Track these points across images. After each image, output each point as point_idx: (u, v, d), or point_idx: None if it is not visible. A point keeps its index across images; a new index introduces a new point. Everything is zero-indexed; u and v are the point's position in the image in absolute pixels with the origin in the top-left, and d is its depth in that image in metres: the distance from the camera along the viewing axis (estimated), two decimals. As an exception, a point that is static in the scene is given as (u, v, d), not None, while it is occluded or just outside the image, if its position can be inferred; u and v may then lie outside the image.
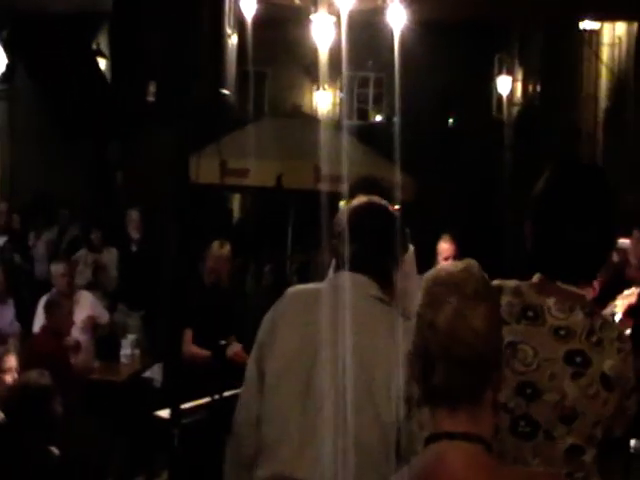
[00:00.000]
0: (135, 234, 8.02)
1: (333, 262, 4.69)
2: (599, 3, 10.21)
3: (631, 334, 3.79)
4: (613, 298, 4.65)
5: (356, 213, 2.50)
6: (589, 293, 2.16)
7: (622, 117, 11.50)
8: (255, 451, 2.36)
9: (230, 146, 10.69)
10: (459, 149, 16.52)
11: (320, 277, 6.05)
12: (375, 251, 2.42)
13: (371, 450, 2.24)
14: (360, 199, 2.57)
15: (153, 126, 10.29)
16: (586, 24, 11.79)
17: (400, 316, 2.36)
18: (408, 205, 6.34)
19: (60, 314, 5.84)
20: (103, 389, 5.58)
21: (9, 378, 4.58)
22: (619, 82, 11.96)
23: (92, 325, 6.56)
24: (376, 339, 2.29)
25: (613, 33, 12.33)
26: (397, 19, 9.58)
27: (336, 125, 17.04)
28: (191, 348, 5.48)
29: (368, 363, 2.27)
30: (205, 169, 10.56)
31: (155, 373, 6.29)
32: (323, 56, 12.13)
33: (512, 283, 2.09)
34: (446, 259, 5.60)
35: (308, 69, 18.40)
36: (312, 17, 10.31)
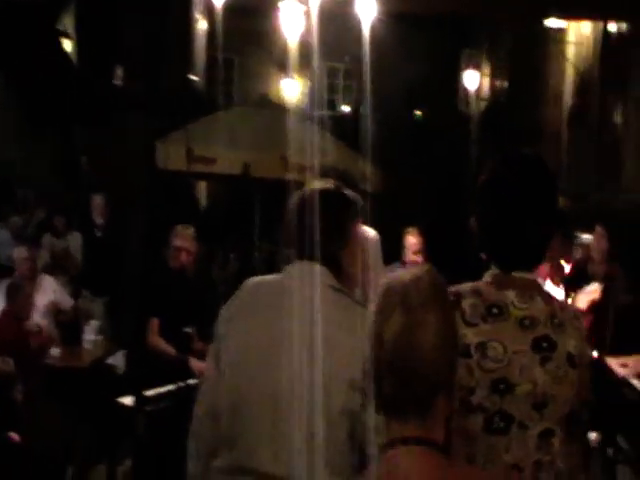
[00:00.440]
0: (99, 219, 7.96)
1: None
2: (565, 2, 10.31)
3: (591, 329, 3.86)
4: (574, 293, 4.72)
5: (305, 200, 2.44)
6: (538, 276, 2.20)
7: (586, 115, 11.65)
8: (215, 444, 2.37)
9: (197, 133, 10.64)
10: (426, 142, 16.60)
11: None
12: (324, 238, 2.36)
13: (328, 440, 2.24)
14: (311, 185, 2.52)
15: (120, 110, 10.20)
16: (552, 22, 11.90)
17: (357, 304, 2.37)
18: (376, 196, 6.37)
19: (21, 298, 5.78)
20: (65, 375, 5.54)
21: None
22: (584, 81, 12.10)
23: (54, 310, 6.51)
24: (332, 328, 2.27)
25: (579, 32, 12.47)
26: (367, 11, 9.59)
27: (304, 115, 17.02)
28: (156, 340, 5.45)
29: (324, 353, 2.26)
30: (172, 156, 10.52)
31: (118, 360, 6.26)
32: (292, 45, 12.11)
33: (468, 286, 2.10)
34: (414, 253, 5.64)
35: (276, 58, 18.34)
36: (281, 5, 10.29)
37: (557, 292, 4.74)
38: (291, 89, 19.15)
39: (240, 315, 2.40)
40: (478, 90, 17.92)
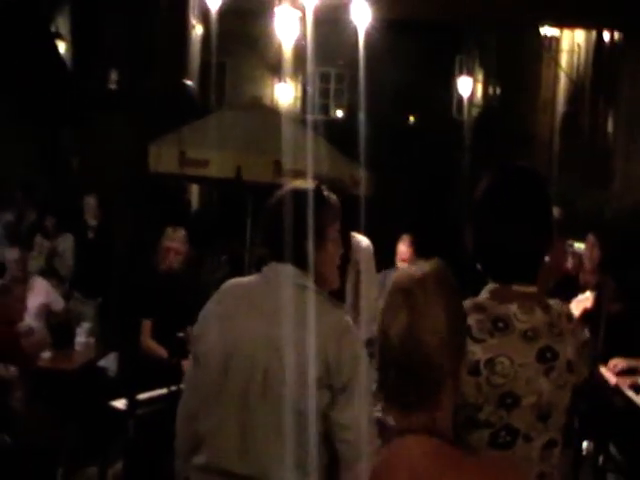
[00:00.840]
0: (92, 221, 7.94)
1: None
2: (558, 10, 10.36)
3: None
4: (566, 301, 4.74)
5: (281, 200, 2.47)
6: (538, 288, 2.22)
7: (578, 123, 11.70)
8: (194, 442, 2.40)
9: (190, 136, 10.62)
10: (419, 147, 16.64)
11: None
12: (299, 238, 2.38)
13: (298, 439, 2.27)
14: (286, 186, 2.53)
15: (113, 113, 10.19)
16: (547, 30, 11.96)
17: (329, 302, 2.40)
18: (368, 201, 6.38)
19: (13, 300, 5.76)
20: (56, 377, 5.52)
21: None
22: (576, 88, 12.16)
23: (46, 312, 6.48)
24: (299, 327, 2.29)
25: (572, 40, 12.53)
26: (361, 16, 9.63)
27: (297, 119, 17.03)
28: (149, 343, 5.45)
29: (291, 352, 2.28)
30: (164, 158, 10.49)
31: (110, 362, 6.24)
32: (286, 49, 12.11)
33: (469, 302, 2.09)
34: (403, 261, 5.66)
35: (269, 62, 18.36)
36: (276, 10, 10.31)
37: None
38: (284, 93, 19.17)
39: (213, 317, 2.43)
40: (471, 96, 17.99)
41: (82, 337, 6.17)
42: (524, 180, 2.15)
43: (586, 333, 2.19)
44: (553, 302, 2.13)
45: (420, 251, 5.81)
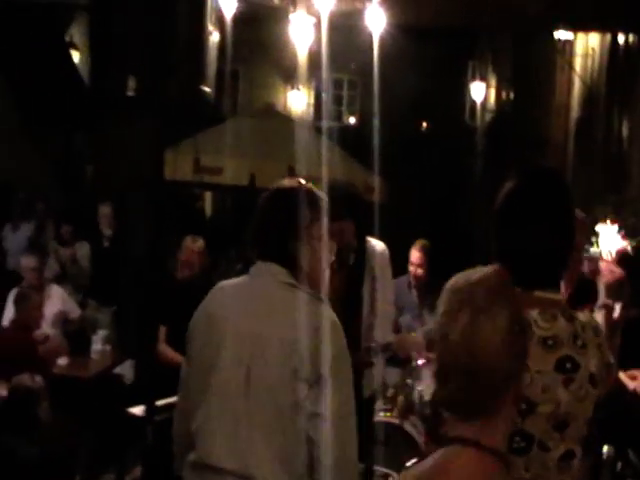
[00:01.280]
0: (107, 230, 7.96)
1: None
2: (572, 14, 10.34)
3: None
4: (582, 306, 4.71)
5: (264, 200, 2.51)
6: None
7: (592, 127, 11.66)
8: (188, 441, 2.44)
9: (204, 143, 10.67)
10: (432, 153, 16.61)
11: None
12: (283, 237, 2.41)
13: (280, 432, 2.30)
14: (273, 186, 2.57)
15: (128, 120, 10.22)
16: (560, 34, 11.94)
17: (312, 298, 2.41)
18: (381, 207, 6.37)
19: (30, 308, 5.79)
20: (73, 385, 5.54)
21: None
22: (591, 93, 12.12)
23: (62, 319, 6.52)
24: (278, 322, 2.33)
25: (586, 44, 12.50)
26: (375, 23, 9.64)
27: (310, 125, 17.05)
28: (165, 349, 5.46)
29: (269, 347, 2.32)
30: (179, 166, 10.54)
31: (126, 369, 6.26)
32: (299, 56, 12.14)
33: None
34: (415, 266, 5.64)
35: (282, 68, 18.39)
36: (291, 17, 10.35)
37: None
38: (297, 100, 19.20)
39: (203, 317, 2.48)
40: (484, 102, 17.95)
41: (98, 344, 6.20)
42: (546, 183, 2.12)
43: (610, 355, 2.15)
44: (582, 314, 2.11)
45: (433, 256, 5.78)
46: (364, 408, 4.41)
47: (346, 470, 2.31)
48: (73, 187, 12.03)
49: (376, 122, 10.23)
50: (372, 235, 4.71)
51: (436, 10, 10.92)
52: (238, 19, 11.08)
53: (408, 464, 3.15)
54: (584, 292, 4.87)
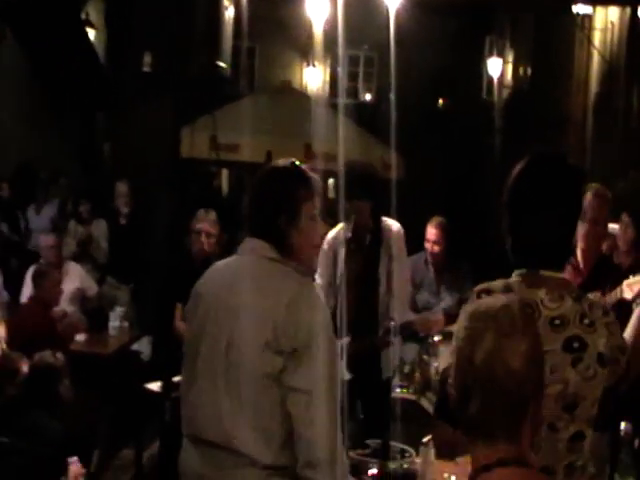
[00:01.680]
0: (124, 208, 7.97)
1: (328, 237, 4.71)
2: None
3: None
4: (601, 284, 4.67)
5: (257, 179, 2.58)
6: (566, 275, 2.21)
7: (612, 102, 11.54)
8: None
9: (221, 120, 10.66)
10: (449, 130, 16.51)
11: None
12: (272, 214, 2.43)
13: (257, 405, 2.33)
14: (267, 165, 2.65)
15: (145, 97, 10.21)
16: (579, 8, 11.79)
17: (294, 272, 2.43)
18: (398, 184, 6.35)
19: (48, 285, 5.82)
20: (91, 361, 5.59)
21: (-2, 347, 4.61)
22: (610, 67, 11.98)
23: (80, 296, 6.56)
24: (253, 295, 2.37)
25: (606, 18, 12.34)
26: (391, -2, 9.55)
27: (327, 102, 16.98)
28: (181, 326, 5.47)
29: (242, 319, 2.36)
30: (196, 143, 10.54)
31: (143, 346, 6.30)
32: (315, 33, 12.07)
33: (499, 283, 2.12)
34: (431, 242, 5.61)
35: (299, 46, 18.31)
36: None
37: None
38: (313, 77, 19.12)
39: (195, 296, 2.55)
40: (501, 78, 17.80)
41: (116, 321, 6.24)
42: (553, 168, 2.16)
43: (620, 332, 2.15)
44: (592, 295, 2.11)
45: (450, 233, 5.75)
46: (382, 389, 4.43)
47: (317, 449, 2.28)
48: (92, 166, 12.06)
49: (392, 98, 10.16)
50: (389, 213, 4.70)
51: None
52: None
53: (424, 440, 3.15)
54: (602, 271, 4.83)
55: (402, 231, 4.61)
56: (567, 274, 2.21)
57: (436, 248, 5.60)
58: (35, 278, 5.82)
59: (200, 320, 2.47)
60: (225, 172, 16.94)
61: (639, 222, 5.02)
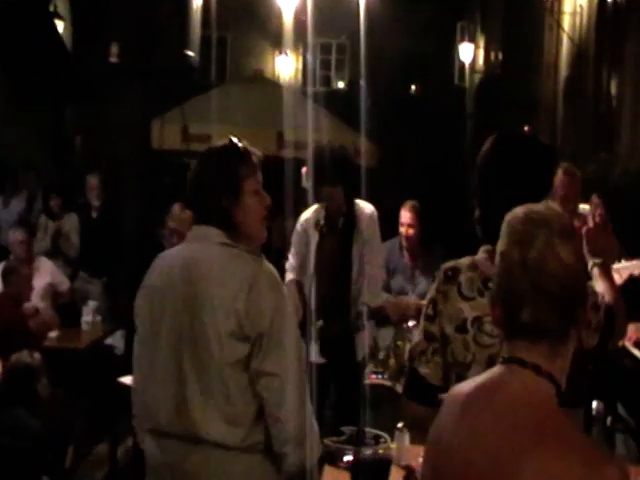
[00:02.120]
0: (95, 201, 7.90)
1: (302, 219, 4.69)
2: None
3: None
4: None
5: (195, 165, 2.55)
6: None
7: (582, 86, 11.59)
8: (145, 410, 2.50)
9: (192, 111, 10.59)
10: (421, 116, 16.53)
11: (282, 242, 6.02)
12: (216, 195, 2.41)
13: (224, 392, 2.33)
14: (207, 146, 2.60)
15: (114, 89, 10.11)
16: (548, -8, 11.81)
17: (248, 255, 2.41)
18: (371, 171, 6.33)
19: (18, 281, 5.76)
20: (64, 356, 5.53)
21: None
22: (579, 51, 12.03)
23: (52, 292, 6.49)
24: (212, 284, 2.34)
25: (575, 2, 12.38)
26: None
27: (299, 91, 16.93)
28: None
29: (203, 309, 2.34)
30: (167, 134, 10.47)
31: (117, 340, 6.25)
32: (286, 21, 12.01)
33: (466, 260, 2.14)
34: (406, 226, 5.59)
35: (270, 34, 18.23)
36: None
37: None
38: (285, 65, 19.06)
39: (144, 289, 2.51)
40: (473, 63, 17.84)
41: (89, 316, 6.19)
42: (519, 145, 2.18)
43: (596, 296, 2.15)
44: None
45: (423, 218, 5.73)
46: (356, 371, 4.43)
47: (290, 427, 2.33)
48: (63, 160, 11.94)
49: (363, 85, 10.14)
50: (361, 198, 4.68)
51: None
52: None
53: (400, 425, 3.15)
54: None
55: (375, 214, 4.60)
56: None
57: (411, 231, 5.58)
58: (4, 274, 5.76)
59: (155, 314, 2.43)
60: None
61: (609, 203, 5.05)
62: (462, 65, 18.37)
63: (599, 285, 2.27)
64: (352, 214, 4.52)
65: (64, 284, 6.70)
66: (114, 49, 10.29)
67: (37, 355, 4.55)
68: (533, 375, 1.49)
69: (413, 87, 19.34)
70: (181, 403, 2.36)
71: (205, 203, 2.43)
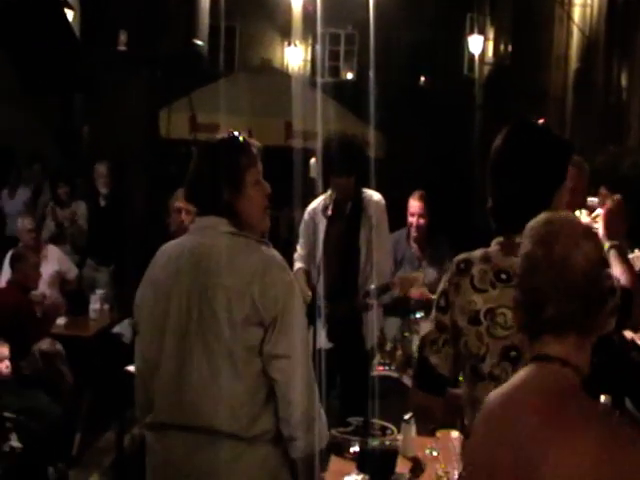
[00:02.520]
0: (103, 189, 7.90)
1: (309, 208, 4.70)
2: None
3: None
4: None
5: (195, 156, 2.56)
6: None
7: (591, 78, 11.54)
8: (146, 404, 2.49)
9: (200, 100, 10.57)
10: (431, 107, 16.49)
11: (290, 233, 6.00)
12: (219, 187, 2.43)
13: (237, 379, 2.34)
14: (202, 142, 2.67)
15: (122, 77, 10.11)
16: (558, -17, 11.74)
17: (256, 244, 2.43)
18: (378, 162, 6.32)
19: (26, 268, 5.77)
20: (71, 344, 5.54)
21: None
22: (589, 43, 11.97)
23: (60, 280, 6.51)
24: (224, 272, 2.35)
25: (585, -7, 12.31)
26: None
27: (307, 81, 16.90)
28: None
29: (216, 296, 2.34)
30: (175, 124, 10.46)
31: (124, 328, 6.26)
32: (295, 11, 11.98)
33: (479, 252, 2.13)
34: (413, 215, 5.57)
35: (279, 25, 18.19)
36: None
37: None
38: (294, 56, 19.02)
39: (147, 282, 2.51)
40: (482, 54, 17.77)
41: (96, 304, 6.19)
42: (533, 134, 2.17)
43: (612, 280, 2.14)
44: None
45: (432, 208, 5.72)
46: (364, 361, 4.43)
47: (300, 409, 2.35)
48: (70, 148, 11.95)
49: (372, 75, 10.11)
50: (369, 189, 4.67)
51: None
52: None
53: (406, 417, 3.15)
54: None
55: (383, 201, 4.60)
56: None
57: (421, 221, 5.55)
58: (13, 261, 5.77)
59: (161, 307, 2.42)
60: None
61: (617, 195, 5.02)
62: (471, 56, 18.29)
63: (615, 268, 2.27)
64: (360, 200, 4.53)
65: (72, 272, 6.72)
66: (122, 38, 10.29)
67: (59, 345, 4.63)
68: (559, 367, 1.52)
69: (422, 78, 19.28)
70: (188, 393, 2.36)
71: (207, 195, 2.45)
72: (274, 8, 17.32)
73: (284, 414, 2.35)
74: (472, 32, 18.12)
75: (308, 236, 4.62)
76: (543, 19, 13.79)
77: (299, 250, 4.69)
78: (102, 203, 7.87)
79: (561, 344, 1.54)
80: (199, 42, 14.71)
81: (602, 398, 2.91)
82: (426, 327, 4.70)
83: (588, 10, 12.15)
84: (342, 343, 4.46)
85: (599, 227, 2.68)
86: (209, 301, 2.35)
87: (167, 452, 2.42)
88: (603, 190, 5.15)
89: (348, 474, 2.89)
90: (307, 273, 4.60)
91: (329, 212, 4.54)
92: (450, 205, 8.60)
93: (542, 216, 1.63)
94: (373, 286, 4.41)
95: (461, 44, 18.66)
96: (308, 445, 2.37)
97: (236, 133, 2.53)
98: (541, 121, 2.30)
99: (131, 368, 4.74)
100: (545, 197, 2.13)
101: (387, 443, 3.05)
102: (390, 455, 2.90)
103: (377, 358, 4.55)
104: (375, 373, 4.33)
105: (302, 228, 4.69)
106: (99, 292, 6.35)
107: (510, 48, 16.60)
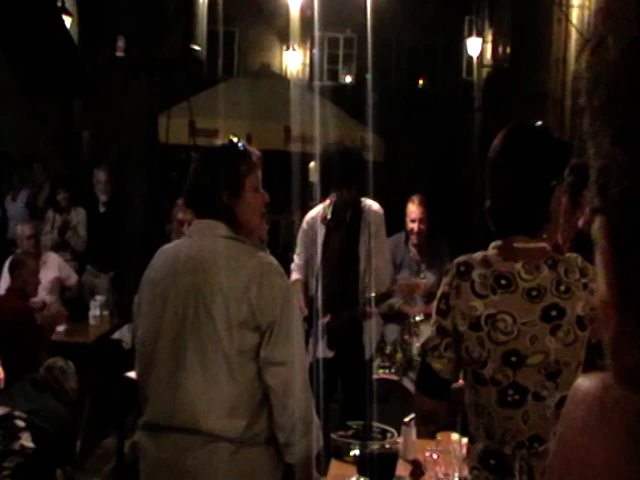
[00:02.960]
0: (102, 195, 7.90)
1: (307, 217, 4.69)
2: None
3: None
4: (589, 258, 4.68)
5: (195, 162, 2.60)
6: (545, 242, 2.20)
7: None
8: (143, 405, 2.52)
9: (199, 105, 10.57)
10: (429, 110, 16.50)
11: (290, 237, 5.99)
12: (217, 192, 2.45)
13: (232, 382, 2.35)
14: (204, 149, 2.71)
15: (121, 83, 10.11)
16: (556, -15, 11.75)
17: (253, 248, 2.46)
18: (377, 165, 6.32)
19: (25, 274, 5.75)
20: (71, 350, 5.53)
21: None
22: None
23: (59, 286, 6.50)
24: (220, 276, 2.37)
25: (583, -5, 12.31)
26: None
27: (306, 85, 16.91)
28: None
29: (212, 300, 2.36)
30: (174, 129, 10.45)
31: (124, 334, 6.25)
32: (294, 15, 11.99)
33: (479, 255, 2.13)
34: (413, 221, 5.56)
35: (278, 29, 18.21)
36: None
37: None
38: (293, 60, 19.03)
39: (146, 283, 2.52)
40: (481, 57, 17.78)
41: (96, 310, 6.18)
42: (531, 135, 2.16)
43: None
44: (568, 256, 2.11)
45: (430, 210, 5.70)
46: (364, 366, 4.43)
47: (296, 414, 2.35)
48: (70, 154, 11.96)
49: (370, 78, 10.11)
50: (368, 193, 4.68)
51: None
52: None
53: (406, 420, 3.15)
54: (583, 246, 4.83)
55: (381, 211, 4.60)
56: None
57: (422, 226, 5.54)
58: (12, 268, 5.75)
59: (157, 309, 2.44)
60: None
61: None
62: (470, 59, 18.31)
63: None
64: (359, 210, 4.53)
65: (72, 278, 6.71)
66: (120, 43, 10.28)
67: (70, 363, 4.71)
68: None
69: (421, 81, 19.29)
70: (182, 394, 2.37)
71: (207, 199, 2.47)
72: (273, 12, 17.35)
73: (280, 420, 2.36)
74: (471, 35, 18.13)
75: (306, 245, 4.61)
76: (541, 21, 13.80)
77: (296, 260, 4.68)
78: (101, 209, 7.87)
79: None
80: (198, 48, 14.73)
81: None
82: (426, 330, 4.71)
83: (586, 12, 12.15)
84: (342, 352, 4.45)
85: None
86: (206, 303, 2.36)
87: (160, 453, 2.43)
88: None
89: (348, 477, 2.88)
90: (304, 285, 4.59)
91: (328, 220, 4.53)
92: (449, 208, 8.60)
93: None
94: (373, 294, 4.41)
95: (460, 47, 18.68)
96: (304, 450, 2.38)
97: (235, 140, 2.57)
98: (539, 123, 2.29)
99: (131, 374, 4.76)
100: (543, 198, 2.13)
101: (387, 446, 3.05)
102: (390, 458, 2.90)
103: (377, 361, 4.55)
104: (375, 376, 4.33)
105: (300, 237, 4.68)
106: (99, 298, 6.34)
107: (509, 50, 16.61)
